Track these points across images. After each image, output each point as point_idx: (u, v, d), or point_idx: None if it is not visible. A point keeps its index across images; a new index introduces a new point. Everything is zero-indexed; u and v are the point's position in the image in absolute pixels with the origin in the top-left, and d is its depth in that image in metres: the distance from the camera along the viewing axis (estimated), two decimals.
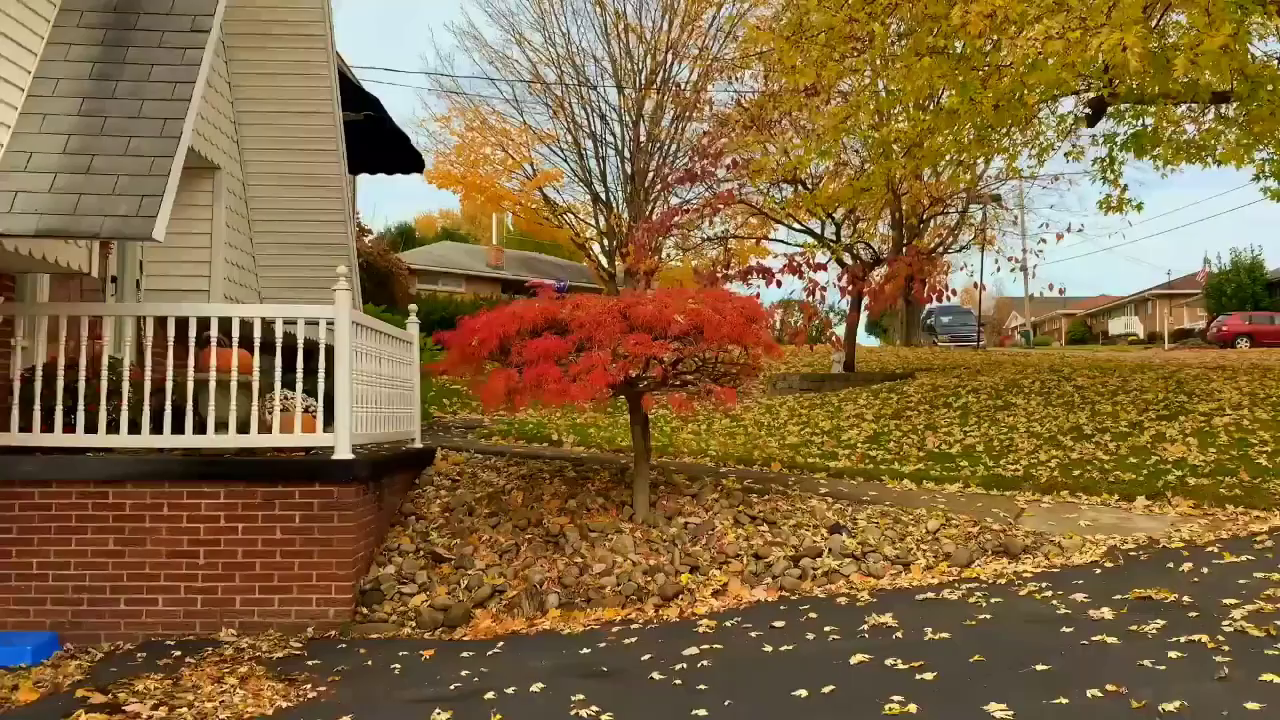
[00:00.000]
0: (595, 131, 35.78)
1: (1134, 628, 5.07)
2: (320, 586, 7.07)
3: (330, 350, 7.32)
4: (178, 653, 6.24)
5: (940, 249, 16.09)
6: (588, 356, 7.01)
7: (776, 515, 7.87)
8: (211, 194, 9.98)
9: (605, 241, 36.93)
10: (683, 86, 25.65)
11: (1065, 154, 12.40)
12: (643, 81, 34.22)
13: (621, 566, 7.17)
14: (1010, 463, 9.48)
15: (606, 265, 35.70)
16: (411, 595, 7.22)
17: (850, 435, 11.30)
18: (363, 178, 14.95)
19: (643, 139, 35.29)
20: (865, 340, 21.53)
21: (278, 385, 7.52)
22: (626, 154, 35.96)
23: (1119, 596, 5.76)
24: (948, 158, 11.41)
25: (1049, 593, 6.00)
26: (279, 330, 7.74)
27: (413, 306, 9.73)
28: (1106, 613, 5.42)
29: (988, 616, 5.63)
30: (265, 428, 7.25)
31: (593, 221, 38.08)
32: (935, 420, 11.56)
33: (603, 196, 36.27)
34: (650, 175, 34.18)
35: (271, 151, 10.67)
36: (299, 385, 7.33)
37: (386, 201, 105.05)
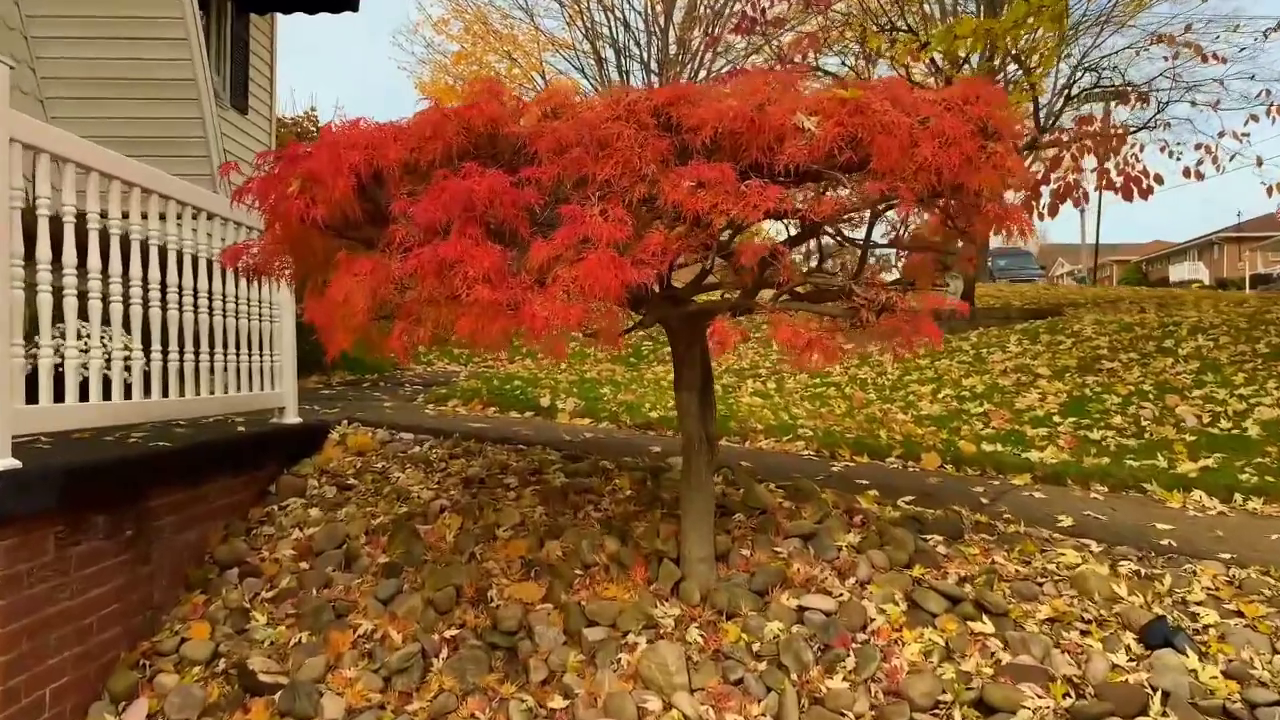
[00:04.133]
0: (618, 39, 31.38)
1: None
2: None
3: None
4: None
5: (1118, 127, 11.63)
6: (574, 219, 2.80)
7: (999, 588, 3.66)
8: None
9: None
10: None
11: None
12: None
13: None
14: None
15: None
16: None
17: (1030, 402, 7.04)
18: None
19: (672, 48, 30.92)
20: None
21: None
22: (654, 66, 31.59)
23: None
24: None
25: None
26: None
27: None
28: None
29: None
30: None
31: None
32: (1167, 377, 7.25)
33: None
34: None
35: None
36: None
37: None
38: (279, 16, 10.54)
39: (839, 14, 10.04)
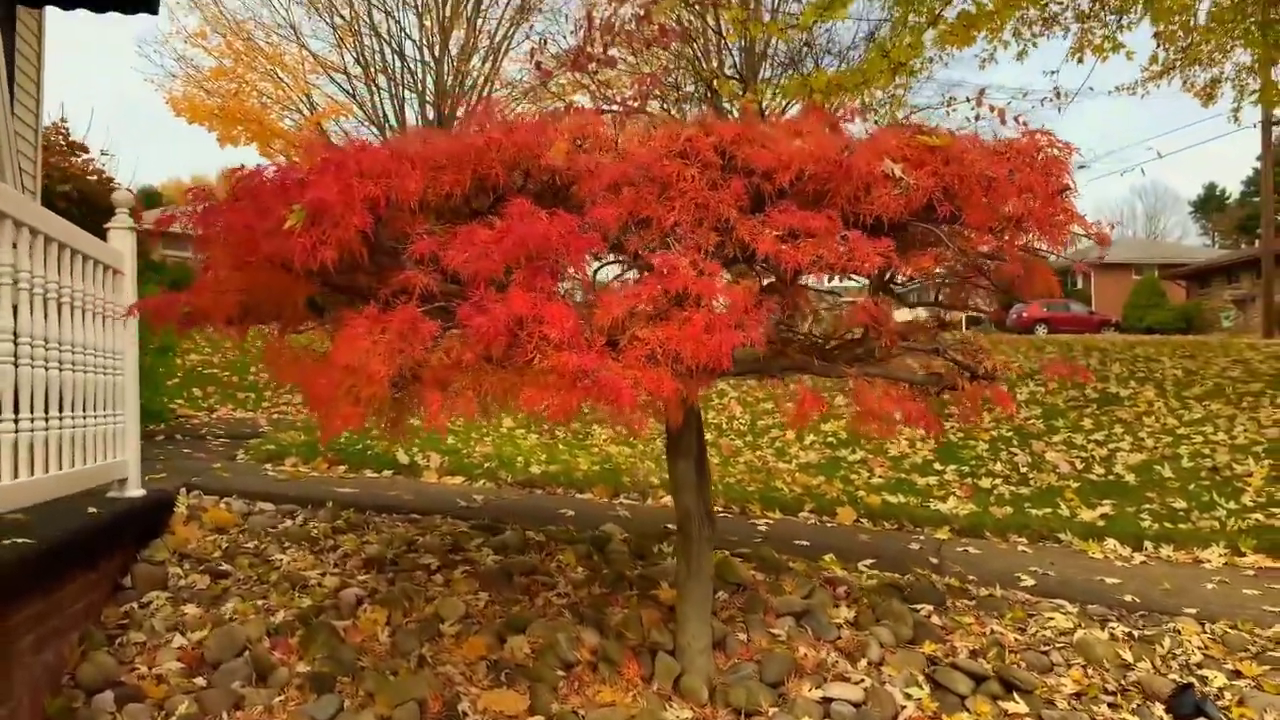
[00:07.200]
0: (390, 66, 30.21)
1: None
2: None
3: None
4: None
5: None
6: (667, 271, 2.38)
7: (1010, 660, 3.51)
8: None
9: None
10: None
11: None
12: (447, 14, 29.09)
13: None
14: (1255, 503, 5.58)
15: None
16: None
17: (902, 449, 7.15)
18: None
19: (447, 80, 30.21)
20: None
21: None
22: (429, 98, 30.69)
23: None
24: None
25: None
26: None
27: (122, 195, 4.60)
28: None
29: None
30: None
31: None
32: (1019, 423, 7.60)
33: None
34: (457, 123, 29.08)
35: None
36: None
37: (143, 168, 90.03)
38: (49, 11, 9.13)
39: (674, 55, 10.01)
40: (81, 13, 8.90)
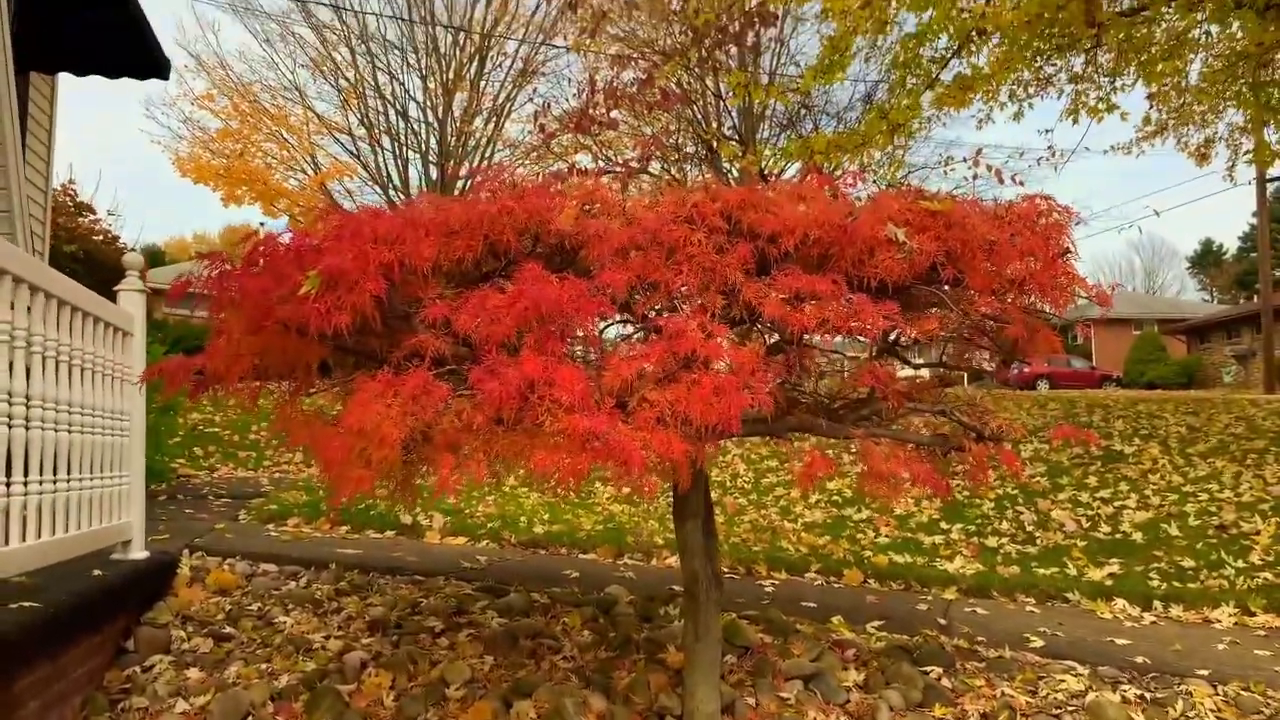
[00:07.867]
0: (394, 129, 30.64)
1: None
2: None
3: None
4: None
5: None
6: (676, 334, 2.42)
7: None
8: None
9: None
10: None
11: None
12: (451, 76, 29.64)
13: None
14: (1264, 561, 5.55)
15: None
16: None
17: (908, 507, 7.13)
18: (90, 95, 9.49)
19: (450, 141, 30.62)
20: None
21: None
22: (432, 159, 31.08)
23: None
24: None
25: None
26: None
27: (133, 257, 4.68)
28: None
29: None
30: None
31: None
32: (1023, 480, 7.59)
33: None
34: (462, 184, 29.49)
35: None
36: None
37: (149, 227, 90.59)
38: (61, 77, 9.33)
39: (674, 117, 10.18)
40: (92, 76, 9.11)
